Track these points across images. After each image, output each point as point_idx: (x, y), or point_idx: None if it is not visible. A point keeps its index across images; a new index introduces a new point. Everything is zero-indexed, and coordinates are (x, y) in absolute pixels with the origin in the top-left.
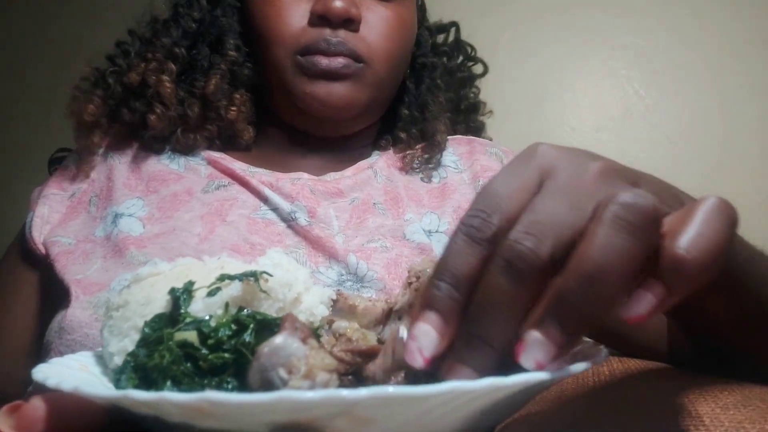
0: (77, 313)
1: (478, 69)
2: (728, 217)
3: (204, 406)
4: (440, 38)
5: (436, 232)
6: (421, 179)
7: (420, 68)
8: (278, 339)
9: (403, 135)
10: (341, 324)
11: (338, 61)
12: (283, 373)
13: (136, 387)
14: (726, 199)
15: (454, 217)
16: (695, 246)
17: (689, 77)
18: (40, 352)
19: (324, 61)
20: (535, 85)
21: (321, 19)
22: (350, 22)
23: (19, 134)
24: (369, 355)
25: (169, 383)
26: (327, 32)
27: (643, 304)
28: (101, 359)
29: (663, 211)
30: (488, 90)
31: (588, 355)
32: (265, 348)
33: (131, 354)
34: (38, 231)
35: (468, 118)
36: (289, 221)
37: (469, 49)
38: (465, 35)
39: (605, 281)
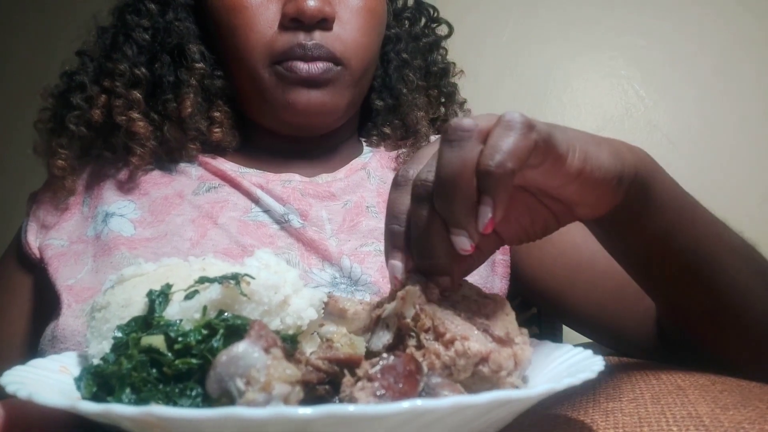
0: (70, 322)
1: (443, 30)
2: (512, 125)
3: (150, 419)
4: (399, 3)
5: None
6: None
7: (384, 42)
8: (238, 348)
9: (387, 130)
10: (329, 329)
11: (317, 67)
12: (240, 383)
13: (95, 394)
14: (511, 112)
15: None
16: (490, 158)
17: (689, 77)
18: (35, 353)
19: (303, 68)
20: (535, 85)
21: (293, 21)
22: (324, 21)
23: (19, 134)
24: (348, 363)
25: (128, 391)
26: (301, 36)
27: (483, 214)
28: (86, 360)
29: (477, 124)
30: (488, 90)
31: (579, 370)
32: (223, 357)
33: (103, 358)
34: (34, 235)
35: (440, 83)
36: (282, 223)
37: (431, 11)
38: (465, 35)
39: (448, 182)
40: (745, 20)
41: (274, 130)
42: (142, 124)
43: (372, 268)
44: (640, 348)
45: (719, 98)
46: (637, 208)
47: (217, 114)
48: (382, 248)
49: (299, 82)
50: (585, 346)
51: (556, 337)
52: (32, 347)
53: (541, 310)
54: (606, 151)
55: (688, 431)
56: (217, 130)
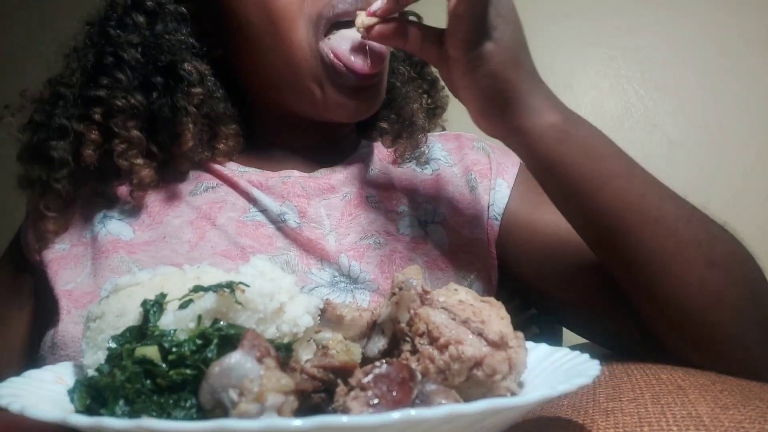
0: (69, 328)
1: None
2: None
3: None
4: None
5: (432, 222)
6: (415, 167)
7: None
8: (231, 358)
9: (384, 125)
10: (325, 335)
11: (367, 76)
12: (233, 394)
13: (88, 406)
14: None
15: (448, 208)
16: None
17: (689, 77)
18: (35, 358)
19: (353, 78)
20: None
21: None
22: None
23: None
24: (342, 371)
25: (121, 402)
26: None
27: None
28: (82, 370)
29: None
30: None
31: (576, 374)
32: (216, 368)
33: (97, 369)
34: (34, 237)
35: (422, 72)
36: (278, 223)
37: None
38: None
39: None
40: (746, 20)
41: (302, 116)
42: (147, 172)
43: (371, 264)
44: (635, 340)
45: (720, 98)
46: (526, 159)
47: (221, 146)
48: (382, 240)
49: (351, 90)
50: (582, 346)
51: (556, 337)
52: (33, 350)
53: (540, 310)
54: (522, 86)
55: (689, 431)
56: (221, 158)
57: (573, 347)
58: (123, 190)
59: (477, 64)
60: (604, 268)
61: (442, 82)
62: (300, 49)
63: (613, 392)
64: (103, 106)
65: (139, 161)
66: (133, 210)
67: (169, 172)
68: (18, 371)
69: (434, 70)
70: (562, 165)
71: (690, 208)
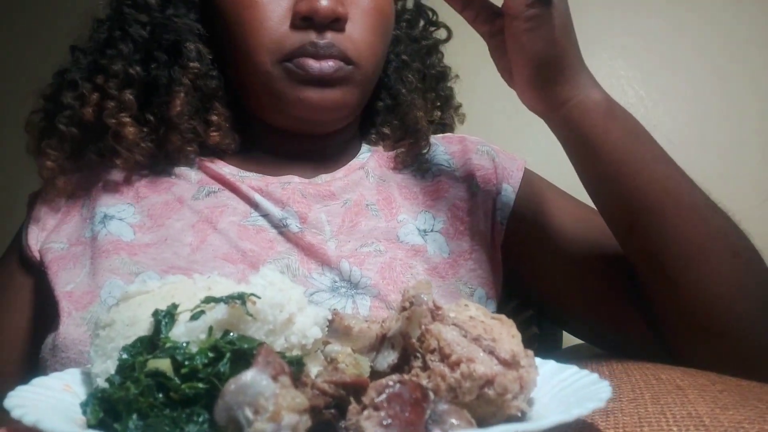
0: (71, 330)
1: (441, 34)
2: None
3: None
4: (399, 5)
5: (431, 231)
6: (416, 174)
7: None
8: (246, 376)
9: (386, 131)
10: (334, 348)
11: (329, 65)
12: (249, 412)
13: (101, 420)
14: None
15: (449, 215)
16: None
17: (689, 78)
18: (37, 359)
19: (315, 66)
20: None
21: (305, 20)
22: (337, 21)
23: (19, 132)
24: (354, 387)
25: (134, 416)
26: (313, 35)
27: None
28: (89, 378)
29: None
30: (488, 91)
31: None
32: (232, 385)
33: (108, 380)
34: (35, 238)
35: (437, 86)
36: (280, 227)
37: (431, 14)
38: (465, 36)
39: None
40: (745, 21)
41: (283, 127)
42: (132, 130)
43: (372, 270)
44: (637, 344)
45: (720, 99)
46: (569, 136)
47: (214, 117)
48: (382, 248)
49: (311, 80)
50: (581, 346)
51: (556, 338)
52: (34, 349)
53: (540, 313)
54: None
55: (688, 431)
56: (214, 133)
57: (571, 348)
58: (119, 176)
59: (535, 24)
60: (618, 264)
61: (456, 101)
62: (264, 56)
63: (613, 392)
64: (105, 74)
65: (126, 119)
66: (135, 212)
67: (169, 169)
68: (19, 371)
69: (450, 85)
70: (606, 143)
71: (713, 200)
